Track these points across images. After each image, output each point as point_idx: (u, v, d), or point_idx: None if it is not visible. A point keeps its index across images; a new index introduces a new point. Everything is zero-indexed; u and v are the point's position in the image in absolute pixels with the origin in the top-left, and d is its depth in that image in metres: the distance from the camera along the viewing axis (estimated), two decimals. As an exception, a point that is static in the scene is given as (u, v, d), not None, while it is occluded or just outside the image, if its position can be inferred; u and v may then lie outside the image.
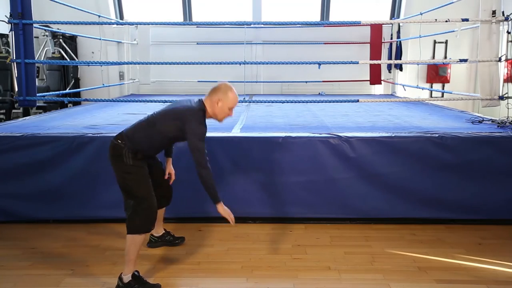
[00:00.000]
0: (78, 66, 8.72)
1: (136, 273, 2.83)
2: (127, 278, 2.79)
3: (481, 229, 3.83)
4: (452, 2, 5.71)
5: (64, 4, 5.74)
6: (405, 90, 7.57)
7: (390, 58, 8.56)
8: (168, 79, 8.71)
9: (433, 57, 8.65)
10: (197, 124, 2.80)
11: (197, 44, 8.74)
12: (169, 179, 3.29)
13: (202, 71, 7.83)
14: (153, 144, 2.91)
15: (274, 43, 8.70)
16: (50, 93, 6.84)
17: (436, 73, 8.80)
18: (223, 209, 2.87)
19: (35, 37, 5.15)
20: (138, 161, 2.85)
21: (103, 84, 6.83)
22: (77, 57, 8.71)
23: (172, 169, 3.31)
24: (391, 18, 9.03)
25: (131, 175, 2.84)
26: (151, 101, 5.57)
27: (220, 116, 2.94)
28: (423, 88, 7.44)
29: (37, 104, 5.70)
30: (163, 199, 3.22)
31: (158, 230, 3.45)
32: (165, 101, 5.47)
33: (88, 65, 8.08)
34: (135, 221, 2.80)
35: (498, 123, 4.48)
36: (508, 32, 4.42)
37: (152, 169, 3.04)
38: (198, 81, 8.63)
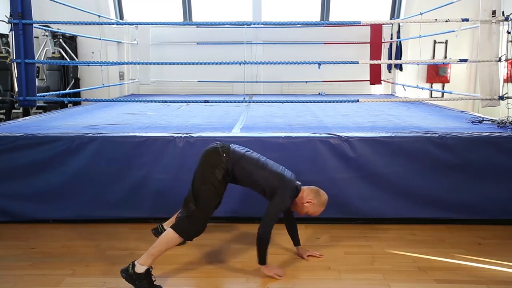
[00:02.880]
0: (78, 66, 8.72)
1: (150, 269, 2.80)
2: (140, 268, 2.75)
3: (481, 229, 3.83)
4: (452, 2, 5.71)
5: (64, 4, 5.74)
6: (405, 90, 7.57)
7: (390, 58, 8.56)
8: (168, 79, 8.72)
9: (433, 57, 8.66)
10: (287, 196, 2.97)
11: (197, 44, 8.74)
12: None
13: (202, 71, 7.84)
14: (246, 180, 3.01)
15: (274, 43, 8.70)
16: (50, 93, 6.84)
17: (436, 73, 8.80)
18: (268, 269, 2.98)
19: (35, 37, 5.15)
20: (225, 180, 2.94)
21: (103, 84, 6.83)
22: (77, 57, 8.71)
23: (308, 251, 3.34)
24: (391, 18, 9.03)
25: (211, 186, 2.89)
26: (151, 101, 5.57)
27: (296, 209, 3.12)
28: (423, 88, 7.44)
29: (37, 104, 5.70)
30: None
31: (164, 226, 3.43)
32: (165, 101, 5.49)
33: (88, 65, 8.09)
34: (185, 225, 2.85)
35: (498, 123, 4.48)
36: (508, 32, 4.42)
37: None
38: (198, 81, 8.64)
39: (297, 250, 3.36)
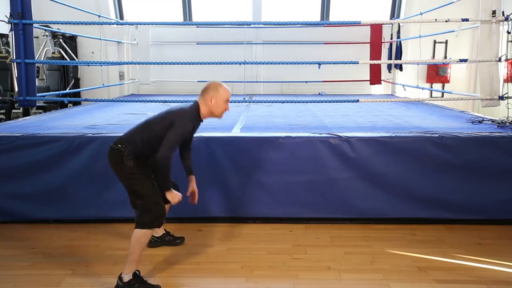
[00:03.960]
0: (78, 66, 8.72)
1: (137, 272, 2.83)
2: (127, 277, 2.79)
3: (481, 229, 3.83)
4: (452, 2, 5.71)
5: (64, 4, 5.74)
6: (405, 90, 7.57)
7: (390, 58, 8.56)
8: (168, 79, 8.71)
9: (433, 57, 8.66)
10: (186, 121, 2.88)
11: (197, 44, 8.74)
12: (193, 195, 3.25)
13: (202, 71, 7.76)
14: (151, 146, 2.90)
15: (274, 43, 8.70)
16: (50, 93, 6.84)
17: (436, 73, 8.80)
18: (171, 195, 2.92)
19: (35, 37, 5.15)
20: (139, 163, 2.89)
21: (103, 84, 6.82)
22: (77, 57, 8.71)
23: (195, 187, 3.29)
24: (391, 18, 9.03)
25: (135, 175, 2.87)
26: (151, 101, 5.57)
27: (217, 112, 3.00)
28: (423, 88, 7.44)
29: (37, 104, 5.69)
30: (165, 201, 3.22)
31: (158, 231, 3.45)
32: (165, 101, 5.48)
33: (88, 65, 8.09)
34: (145, 218, 2.84)
35: (498, 123, 4.48)
36: (508, 32, 4.42)
37: (153, 172, 3.03)
38: (198, 81, 8.59)
39: (189, 180, 3.27)
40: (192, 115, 2.93)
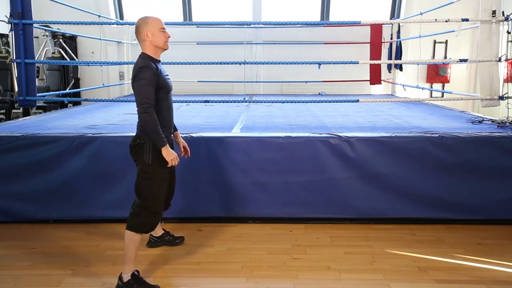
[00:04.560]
0: (78, 66, 8.72)
1: (135, 272, 2.83)
2: (126, 277, 2.80)
3: (481, 229, 3.83)
4: (452, 2, 5.71)
5: (64, 4, 5.74)
6: (405, 90, 7.57)
7: (390, 58, 8.56)
8: (168, 79, 8.70)
9: (433, 57, 8.66)
10: (142, 70, 2.73)
11: (197, 44, 8.74)
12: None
13: (202, 71, 7.83)
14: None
15: (274, 43, 8.70)
16: (50, 93, 6.84)
17: (436, 73, 8.80)
18: (167, 152, 2.81)
19: (35, 37, 5.15)
20: (158, 160, 2.81)
21: (103, 84, 6.82)
22: (77, 57, 8.71)
23: (184, 142, 3.27)
24: (391, 18, 9.03)
25: (146, 175, 2.85)
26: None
27: (159, 43, 2.85)
28: (423, 88, 7.43)
29: (37, 104, 5.70)
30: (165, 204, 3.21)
31: (157, 231, 3.45)
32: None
33: (88, 65, 8.09)
34: (135, 220, 2.83)
35: (498, 123, 4.48)
36: (508, 32, 4.42)
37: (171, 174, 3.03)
38: (198, 81, 8.64)
39: (175, 137, 3.25)
40: (142, 62, 2.78)
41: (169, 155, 2.82)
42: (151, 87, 2.74)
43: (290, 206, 3.92)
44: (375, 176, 3.88)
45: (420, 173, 3.87)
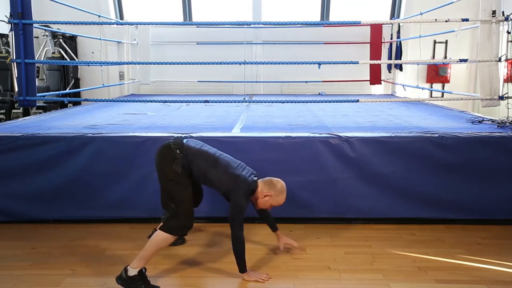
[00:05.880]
0: (78, 66, 8.71)
1: (143, 270, 2.81)
2: (133, 271, 2.76)
3: (481, 229, 3.83)
4: (452, 2, 5.72)
5: (64, 4, 5.74)
6: (405, 90, 7.57)
7: (390, 58, 8.55)
8: (168, 79, 8.71)
9: (433, 57, 8.65)
10: (242, 197, 2.89)
11: (197, 44, 8.73)
12: None
13: (202, 71, 7.83)
14: (202, 178, 2.98)
15: (274, 43, 8.69)
16: (50, 93, 6.84)
17: (436, 73, 8.80)
18: (249, 277, 2.94)
19: (35, 37, 5.15)
20: (186, 172, 2.91)
21: (103, 84, 6.82)
22: (77, 57, 8.70)
23: (289, 240, 3.36)
24: (391, 18, 9.03)
25: (178, 180, 2.88)
26: (151, 101, 5.57)
27: (259, 206, 3.07)
28: (423, 88, 7.44)
29: (37, 104, 5.70)
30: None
31: None
32: (165, 101, 5.48)
33: (88, 65, 8.09)
34: (171, 223, 2.85)
35: (498, 123, 4.48)
36: (508, 32, 4.42)
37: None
38: (198, 81, 8.64)
39: (276, 236, 3.34)
40: (247, 193, 2.93)
41: (251, 277, 2.93)
42: (243, 214, 2.90)
43: (290, 206, 3.90)
44: (375, 176, 3.88)
45: (420, 173, 3.87)
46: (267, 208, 3.10)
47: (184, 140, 3.00)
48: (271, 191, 2.99)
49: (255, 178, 3.01)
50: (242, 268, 2.92)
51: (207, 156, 2.96)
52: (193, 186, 2.99)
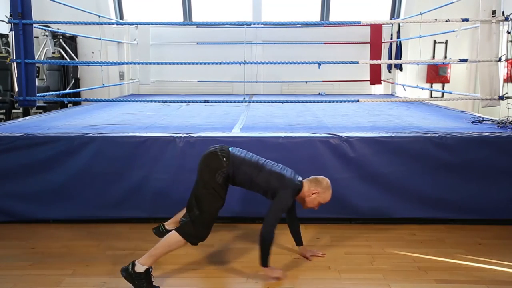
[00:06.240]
0: (78, 66, 8.72)
1: (150, 269, 2.80)
2: (141, 268, 2.75)
3: (481, 229, 3.83)
4: (452, 2, 5.71)
5: (64, 4, 5.74)
6: (405, 90, 7.57)
7: (390, 58, 8.56)
8: (168, 79, 8.72)
9: (433, 57, 8.66)
10: (289, 196, 2.96)
11: (197, 44, 8.74)
12: None
13: (202, 71, 7.85)
14: (247, 184, 3.01)
15: (274, 43, 8.70)
16: (50, 93, 6.84)
17: (436, 73, 8.80)
18: (270, 273, 2.95)
19: (35, 37, 5.15)
20: (225, 183, 2.94)
21: (103, 84, 6.83)
22: (77, 57, 8.71)
23: (313, 251, 3.36)
24: (391, 18, 9.03)
25: (212, 191, 2.89)
26: (151, 101, 5.57)
27: (307, 204, 3.10)
28: (423, 88, 7.44)
29: (37, 104, 5.70)
30: None
31: (172, 225, 3.42)
32: (165, 101, 5.48)
33: (88, 65, 8.09)
34: (188, 228, 2.85)
35: (498, 123, 4.48)
36: (508, 32, 4.42)
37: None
38: (198, 81, 8.64)
39: (299, 250, 3.35)
40: (293, 192, 2.99)
41: (272, 273, 2.95)
42: (283, 212, 2.99)
43: (290, 206, 3.92)
44: (375, 176, 3.88)
45: (420, 173, 3.87)
46: (315, 207, 3.10)
47: (230, 149, 3.04)
48: (318, 188, 3.04)
49: (300, 178, 3.07)
50: (266, 262, 2.91)
51: (251, 162, 3.01)
52: None
